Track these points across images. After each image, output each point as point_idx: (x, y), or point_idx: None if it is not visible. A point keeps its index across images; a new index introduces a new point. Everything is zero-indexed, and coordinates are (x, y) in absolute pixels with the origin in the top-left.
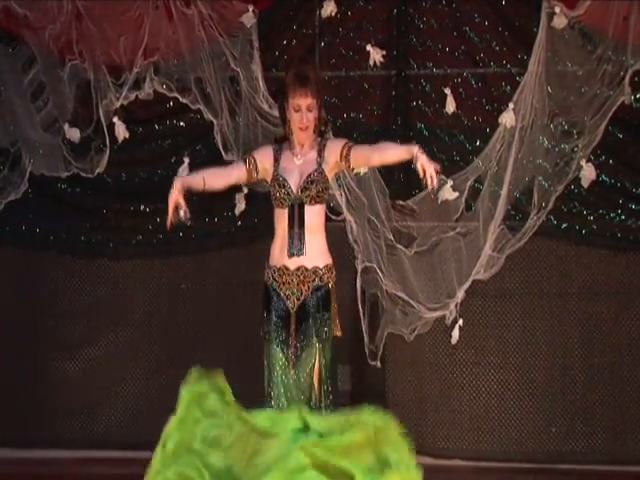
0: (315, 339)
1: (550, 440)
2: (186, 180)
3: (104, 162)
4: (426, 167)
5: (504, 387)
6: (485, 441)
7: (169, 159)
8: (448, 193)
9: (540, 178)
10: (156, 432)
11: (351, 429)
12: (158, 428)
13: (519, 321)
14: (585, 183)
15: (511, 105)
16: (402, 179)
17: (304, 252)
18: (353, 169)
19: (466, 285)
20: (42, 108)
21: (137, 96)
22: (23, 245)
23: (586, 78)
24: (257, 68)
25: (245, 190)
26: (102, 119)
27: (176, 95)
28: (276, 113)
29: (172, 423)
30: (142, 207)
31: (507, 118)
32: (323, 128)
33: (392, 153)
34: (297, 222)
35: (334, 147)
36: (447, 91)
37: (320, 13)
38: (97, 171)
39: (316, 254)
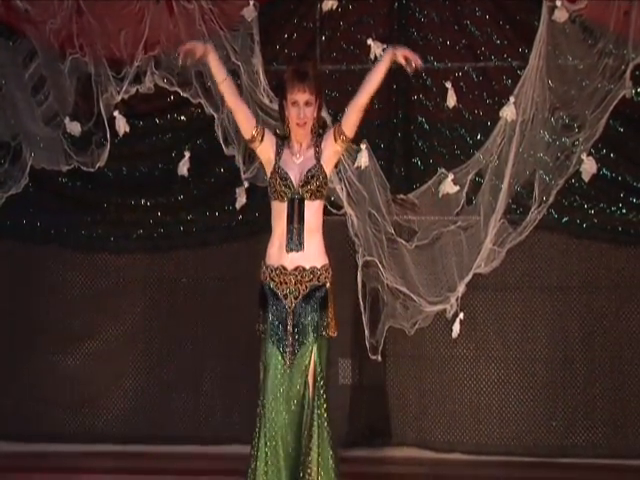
0: (312, 338)
1: (551, 434)
2: (216, 57)
3: (105, 156)
4: (406, 53)
5: (505, 381)
6: (486, 435)
7: (170, 153)
8: (449, 187)
9: (541, 172)
10: (156, 426)
11: None
12: (158, 422)
13: (520, 315)
14: (586, 177)
15: (512, 99)
16: (403, 173)
17: (303, 248)
18: (349, 138)
19: (467, 279)
20: (43, 102)
21: (138, 90)
22: (24, 239)
23: (587, 72)
24: (258, 62)
25: (246, 184)
26: (103, 113)
27: (177, 89)
28: (277, 107)
29: None
30: (143, 201)
31: (508, 112)
32: (321, 131)
33: (372, 77)
34: (297, 217)
35: (327, 135)
36: (448, 85)
37: (321, 7)
38: (98, 165)
39: (314, 254)
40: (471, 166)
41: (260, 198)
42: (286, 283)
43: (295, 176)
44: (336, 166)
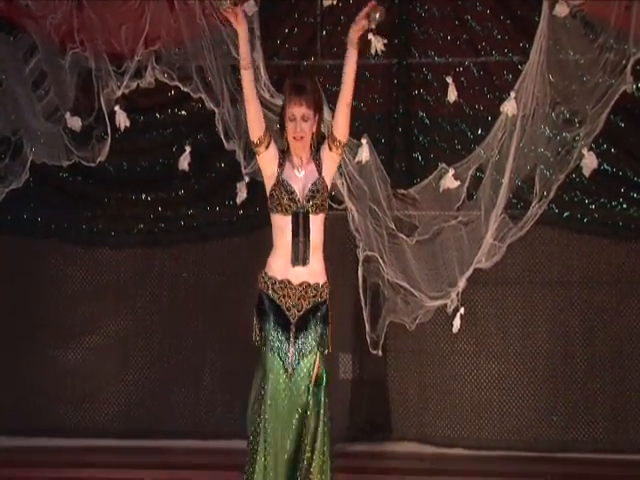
0: (314, 350)
1: (551, 429)
2: (246, 32)
3: (105, 151)
4: (358, 20)
5: (505, 376)
6: (486, 430)
7: (170, 148)
8: (450, 181)
9: (542, 167)
10: (157, 421)
11: None
12: (159, 417)
13: (520, 310)
14: (587, 172)
15: (513, 94)
16: (403, 168)
17: (308, 262)
18: (343, 143)
19: (467, 274)
20: (43, 97)
21: (138, 85)
22: (25, 234)
23: (588, 67)
24: (258, 57)
25: (247, 179)
26: (103, 108)
27: (177, 84)
28: (278, 102)
29: None
30: (144, 196)
31: (509, 107)
32: (318, 146)
33: (346, 70)
34: (302, 231)
35: (323, 147)
36: (449, 80)
37: (322, 2)
38: (98, 160)
39: (318, 271)
40: (472, 161)
41: (261, 193)
42: (289, 297)
43: (300, 190)
44: (338, 168)
